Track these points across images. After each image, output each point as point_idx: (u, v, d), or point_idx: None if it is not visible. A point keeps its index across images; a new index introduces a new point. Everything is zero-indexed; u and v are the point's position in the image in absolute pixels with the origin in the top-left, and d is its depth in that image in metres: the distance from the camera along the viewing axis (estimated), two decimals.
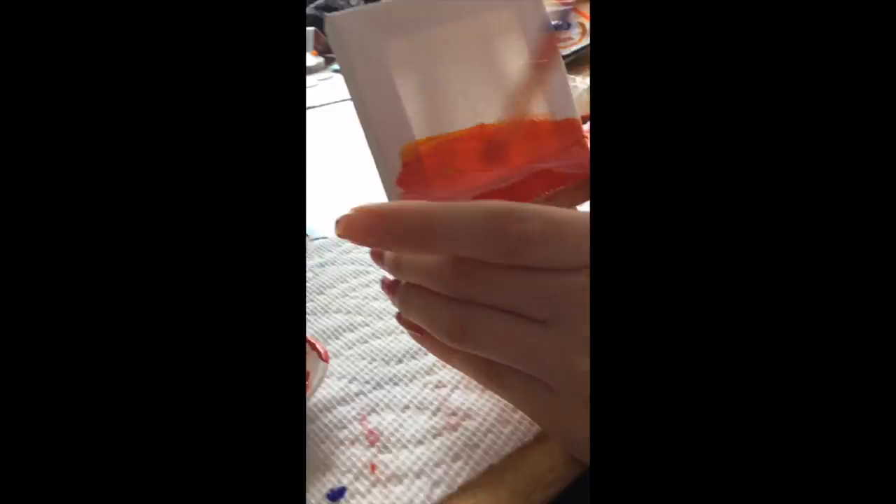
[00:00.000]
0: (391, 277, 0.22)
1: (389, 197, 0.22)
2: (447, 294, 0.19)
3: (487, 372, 0.21)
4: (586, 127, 0.36)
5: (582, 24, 0.66)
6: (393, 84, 0.22)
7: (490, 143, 0.23)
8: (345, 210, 0.20)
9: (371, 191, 0.23)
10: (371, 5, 0.22)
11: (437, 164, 0.23)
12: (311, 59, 0.86)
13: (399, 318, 0.23)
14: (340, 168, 0.51)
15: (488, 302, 0.19)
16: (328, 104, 0.70)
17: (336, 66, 0.84)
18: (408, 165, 0.22)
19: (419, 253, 0.20)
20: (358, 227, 0.19)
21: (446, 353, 0.23)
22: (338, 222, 0.20)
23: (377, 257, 0.22)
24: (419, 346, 0.25)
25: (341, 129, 0.62)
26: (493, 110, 0.24)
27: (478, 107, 0.23)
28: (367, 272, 0.33)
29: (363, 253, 0.34)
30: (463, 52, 0.23)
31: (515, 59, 0.24)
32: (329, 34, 0.22)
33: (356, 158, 0.52)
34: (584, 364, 0.17)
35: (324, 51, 0.89)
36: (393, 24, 0.22)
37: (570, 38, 0.61)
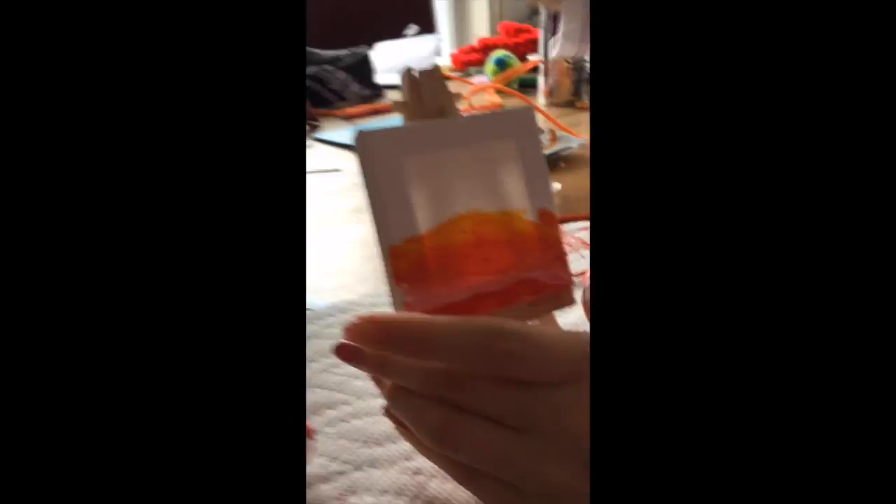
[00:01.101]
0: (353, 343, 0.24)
1: (392, 292, 0.25)
2: (433, 397, 0.22)
3: (464, 472, 0.22)
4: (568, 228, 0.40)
5: (552, 131, 0.74)
6: (407, 194, 0.25)
7: (484, 252, 0.27)
8: (352, 319, 0.22)
9: (347, 261, 0.25)
10: (395, 126, 0.26)
11: (438, 266, 0.26)
12: None
13: (387, 411, 0.24)
14: (315, 237, 0.53)
15: (470, 409, 0.21)
16: (308, 173, 0.73)
17: (318, 135, 0.88)
18: (411, 264, 0.25)
19: (416, 359, 0.22)
20: (366, 335, 0.21)
21: (427, 451, 0.24)
22: (347, 329, 0.22)
23: (348, 357, 0.23)
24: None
25: (317, 199, 0.64)
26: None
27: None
28: None
29: None
30: (469, 171, 0.27)
31: (513, 182, 0.28)
32: (358, 146, 0.25)
33: (330, 227, 0.54)
34: (553, 473, 0.19)
35: (309, 119, 0.93)
36: (412, 144, 0.25)
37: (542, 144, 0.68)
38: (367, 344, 0.22)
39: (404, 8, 1.70)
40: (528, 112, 0.28)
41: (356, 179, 0.70)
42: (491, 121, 0.27)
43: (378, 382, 0.25)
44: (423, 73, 0.27)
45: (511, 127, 0.27)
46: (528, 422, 0.20)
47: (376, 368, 0.23)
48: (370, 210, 0.25)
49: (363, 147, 0.25)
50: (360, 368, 0.22)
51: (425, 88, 0.27)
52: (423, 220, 0.25)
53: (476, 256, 0.26)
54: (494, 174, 0.27)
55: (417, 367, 0.22)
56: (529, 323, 0.23)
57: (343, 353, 0.22)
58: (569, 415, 0.19)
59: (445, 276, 0.26)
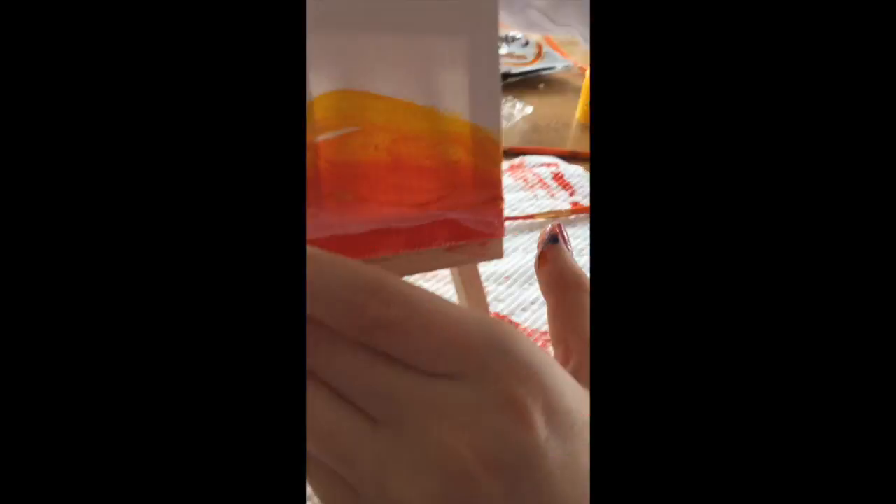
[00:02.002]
0: None
1: None
2: None
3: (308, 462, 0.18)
4: (517, 160, 0.34)
5: (539, 45, 0.65)
6: (308, 78, 0.18)
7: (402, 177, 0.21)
8: None
9: None
10: None
11: (335, 186, 0.20)
12: None
13: None
14: None
15: (324, 378, 0.16)
16: None
17: None
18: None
19: None
20: None
21: None
22: None
23: None
24: None
25: None
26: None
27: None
28: None
29: None
30: (401, 65, 0.20)
31: (455, 91, 0.21)
32: None
33: None
34: (397, 487, 0.15)
35: None
36: (337, 12, 0.18)
37: (524, 57, 0.60)
38: None
39: None
40: (492, 2, 0.21)
41: None
42: (445, 6, 0.20)
43: None
44: None
45: (468, 19, 0.20)
46: (385, 412, 0.15)
47: None
48: None
49: None
50: None
51: None
52: (322, 117, 0.19)
53: (389, 181, 0.21)
54: (433, 74, 0.21)
55: None
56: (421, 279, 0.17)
57: None
58: (440, 418, 0.15)
59: (342, 200, 0.20)
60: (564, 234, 0.23)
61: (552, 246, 0.22)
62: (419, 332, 0.15)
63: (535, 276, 0.23)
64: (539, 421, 0.15)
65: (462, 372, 0.15)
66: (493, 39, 0.21)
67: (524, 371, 0.15)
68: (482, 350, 0.15)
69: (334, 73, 0.19)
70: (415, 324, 0.15)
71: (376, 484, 0.15)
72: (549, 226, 0.23)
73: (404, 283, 0.16)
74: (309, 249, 0.16)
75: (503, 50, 0.56)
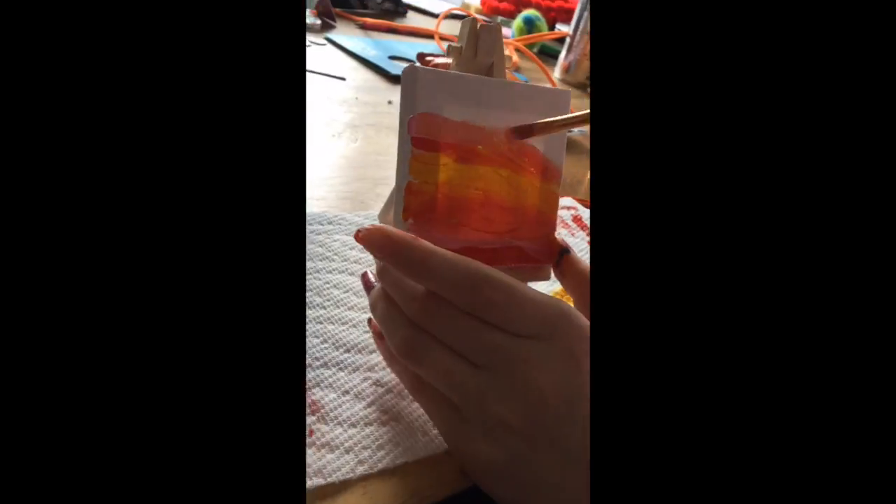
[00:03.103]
0: (373, 278, 0.27)
1: (396, 222, 0.27)
2: (410, 316, 0.24)
3: (419, 386, 0.26)
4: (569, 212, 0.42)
5: None
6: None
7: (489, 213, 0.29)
8: (366, 223, 0.24)
9: (333, 176, 0.27)
10: (446, 71, 0.27)
11: (445, 212, 0.28)
12: (309, 18, 0.85)
13: (370, 322, 0.27)
14: (308, 143, 0.53)
15: (440, 337, 0.24)
16: (312, 72, 0.71)
17: (331, 35, 0.85)
18: (422, 203, 0.27)
19: (409, 278, 0.25)
20: (374, 241, 0.24)
21: (391, 360, 0.27)
22: (359, 231, 0.24)
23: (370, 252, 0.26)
24: (365, 342, 0.30)
25: (317, 104, 0.63)
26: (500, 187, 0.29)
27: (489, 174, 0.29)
28: (332, 259, 0.36)
29: (332, 239, 0.37)
30: (498, 134, 0.29)
31: (532, 157, 0.30)
32: (406, 79, 0.26)
33: (322, 137, 0.54)
34: (495, 407, 0.22)
35: (323, 13, 0.89)
36: (456, 91, 0.27)
37: None
38: (372, 250, 0.24)
39: None
40: (566, 95, 0.30)
41: (359, 95, 0.70)
42: (531, 93, 0.29)
43: (367, 286, 0.27)
44: (485, 27, 0.28)
45: (547, 104, 0.29)
46: (487, 360, 0.23)
47: (378, 272, 0.26)
48: (399, 140, 0.27)
49: (410, 82, 0.26)
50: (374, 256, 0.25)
51: (483, 41, 0.28)
52: (444, 166, 0.27)
53: (479, 213, 0.29)
54: (521, 143, 0.29)
55: (408, 284, 0.24)
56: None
57: (367, 248, 0.24)
58: (525, 365, 0.23)
59: (448, 223, 0.28)
60: (570, 246, 0.31)
61: (567, 256, 0.31)
62: (515, 308, 0.23)
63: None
64: (586, 365, 0.23)
65: (540, 334, 0.23)
66: (563, 133, 0.30)
67: (580, 334, 0.23)
68: (553, 319, 0.23)
69: (457, 145, 0.27)
70: (512, 302, 0.23)
71: (479, 405, 0.23)
72: (559, 241, 0.31)
73: (505, 275, 0.24)
74: (437, 249, 0.24)
75: None
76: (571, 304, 0.27)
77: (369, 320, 0.27)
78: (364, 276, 0.28)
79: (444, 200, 0.28)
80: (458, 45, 0.28)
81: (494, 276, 0.24)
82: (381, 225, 0.25)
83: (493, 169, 0.29)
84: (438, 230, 0.28)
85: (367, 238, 0.24)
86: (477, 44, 0.28)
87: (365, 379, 0.28)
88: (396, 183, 0.27)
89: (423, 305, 0.24)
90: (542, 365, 0.23)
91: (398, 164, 0.27)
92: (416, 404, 0.28)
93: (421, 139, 0.26)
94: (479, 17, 1.20)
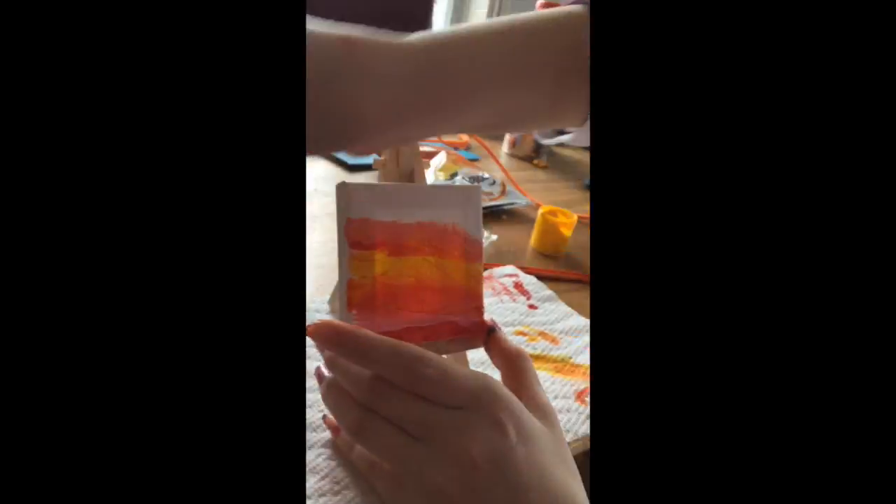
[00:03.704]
0: (325, 370, 0.31)
1: (342, 315, 0.31)
2: (357, 399, 0.28)
3: (367, 465, 0.29)
4: (486, 273, 0.48)
5: (503, 184, 0.82)
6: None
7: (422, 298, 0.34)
8: (323, 307, 0.28)
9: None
10: (371, 184, 0.32)
11: (384, 300, 0.32)
12: None
13: (325, 419, 0.31)
14: None
15: (384, 414, 0.27)
16: None
17: None
18: (364, 296, 0.31)
19: (355, 363, 0.29)
20: (322, 334, 0.28)
21: (346, 451, 0.32)
22: (308, 326, 0.28)
23: (319, 349, 0.31)
24: (320, 420, 0.34)
25: None
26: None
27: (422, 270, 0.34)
28: None
29: None
30: (422, 228, 0.34)
31: (455, 241, 0.35)
32: (339, 195, 0.31)
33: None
34: (432, 476, 0.25)
35: None
36: (382, 200, 0.32)
37: (491, 194, 0.77)
38: (321, 342, 0.28)
39: (402, 19, 1.75)
40: (476, 190, 0.35)
41: (318, 185, 0.75)
42: (447, 192, 0.34)
43: (319, 378, 0.31)
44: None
45: (460, 199, 0.35)
46: (424, 431, 0.27)
47: (327, 363, 0.30)
48: (339, 244, 0.32)
49: (342, 195, 0.31)
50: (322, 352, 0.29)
51: (403, 155, 0.34)
52: (379, 261, 0.32)
53: (415, 297, 0.33)
54: (441, 233, 0.34)
55: (354, 370, 0.28)
56: (445, 357, 0.30)
57: (317, 345, 0.29)
58: (457, 434, 0.26)
59: (388, 309, 0.32)
60: (497, 325, 0.35)
61: (493, 335, 0.35)
62: (446, 382, 0.27)
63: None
64: (512, 432, 0.27)
65: (468, 405, 0.27)
66: (478, 215, 0.35)
67: (502, 403, 0.27)
68: (479, 391, 0.27)
69: (388, 242, 0.32)
70: (443, 377, 0.27)
71: (418, 476, 0.26)
72: (488, 321, 0.35)
73: (436, 355, 0.28)
74: (377, 336, 0.28)
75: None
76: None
77: (324, 417, 0.32)
78: (317, 370, 0.32)
79: (382, 290, 0.32)
80: (383, 158, 0.34)
81: (427, 355, 0.28)
82: (328, 319, 0.29)
83: (421, 258, 0.34)
84: (380, 316, 0.32)
85: (315, 332, 0.28)
86: (398, 155, 0.34)
87: (318, 455, 0.32)
88: (339, 280, 0.32)
89: (369, 386, 0.28)
90: (471, 433, 0.26)
91: (339, 264, 0.32)
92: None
93: (356, 241, 0.31)
94: None
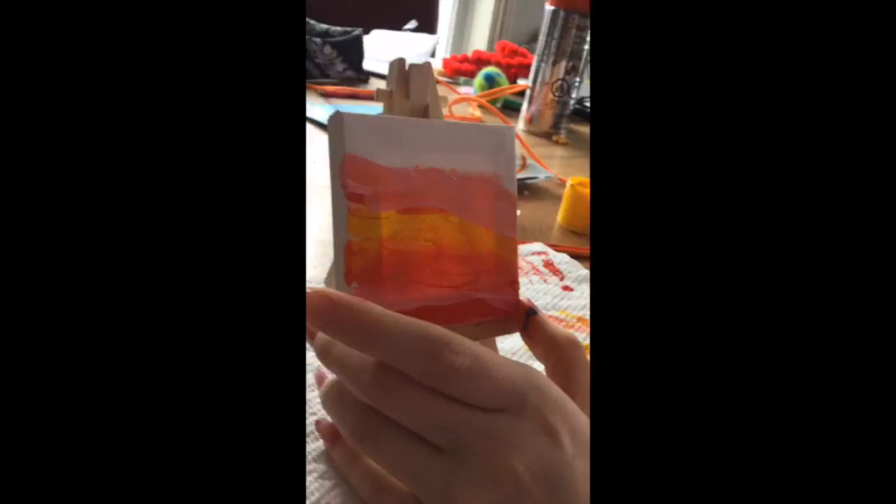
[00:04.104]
0: (327, 373, 0.23)
1: (339, 287, 0.23)
2: (359, 394, 0.21)
3: (378, 487, 0.22)
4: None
5: (524, 158, 0.74)
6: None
7: (442, 265, 0.26)
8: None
9: None
10: (375, 115, 0.25)
11: (393, 270, 0.25)
12: None
13: (317, 423, 0.24)
14: None
15: (395, 417, 0.20)
16: None
17: None
18: (366, 263, 0.24)
19: (356, 349, 0.21)
20: (314, 308, 0.20)
21: (346, 467, 0.24)
22: None
23: (308, 334, 0.23)
24: (311, 430, 0.26)
25: None
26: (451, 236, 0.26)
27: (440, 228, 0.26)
28: None
29: None
30: (441, 177, 0.26)
31: (482, 198, 0.27)
32: (331, 126, 0.24)
33: None
34: (464, 499, 0.18)
35: None
36: (389, 136, 0.25)
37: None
38: (312, 317, 0.20)
39: (409, 1, 1.69)
40: (510, 131, 0.27)
41: (317, 159, 0.68)
42: (473, 132, 0.26)
43: (320, 381, 0.24)
44: (415, 66, 0.26)
45: (491, 143, 0.27)
46: (451, 441, 0.19)
47: (319, 352, 0.22)
48: (333, 195, 0.24)
49: (337, 128, 0.23)
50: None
51: (414, 83, 0.26)
52: (386, 219, 0.24)
53: (433, 268, 0.26)
54: (465, 186, 0.27)
55: (356, 359, 0.21)
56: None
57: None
58: (496, 444, 0.19)
59: (398, 281, 0.25)
60: (536, 307, 0.28)
61: (534, 318, 0.27)
62: (481, 376, 0.19)
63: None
64: (567, 441, 0.19)
65: (510, 406, 0.19)
66: (512, 164, 0.28)
67: (554, 404, 0.20)
68: (525, 388, 0.20)
69: (399, 195, 0.25)
70: (477, 370, 0.19)
71: (444, 498, 0.19)
72: (525, 301, 0.28)
73: (467, 339, 0.20)
74: (387, 312, 0.21)
75: None
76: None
77: (317, 423, 0.24)
78: (318, 373, 0.25)
79: (390, 258, 0.25)
80: (388, 88, 0.27)
81: (456, 339, 0.20)
82: (321, 287, 0.21)
83: (441, 217, 0.26)
84: (388, 292, 0.24)
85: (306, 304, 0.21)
86: (408, 86, 0.26)
87: (308, 473, 0.24)
88: (335, 243, 0.24)
89: (374, 379, 0.20)
90: (516, 443, 0.19)
91: (334, 222, 0.24)
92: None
93: (356, 193, 0.24)
94: (442, 79, 1.23)
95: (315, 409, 0.27)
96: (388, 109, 0.27)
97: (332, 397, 0.22)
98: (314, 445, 0.26)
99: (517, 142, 0.77)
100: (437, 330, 0.20)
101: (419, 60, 0.26)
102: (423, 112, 0.27)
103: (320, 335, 0.23)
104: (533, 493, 0.18)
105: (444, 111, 0.93)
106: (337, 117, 0.23)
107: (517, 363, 0.21)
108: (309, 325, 0.21)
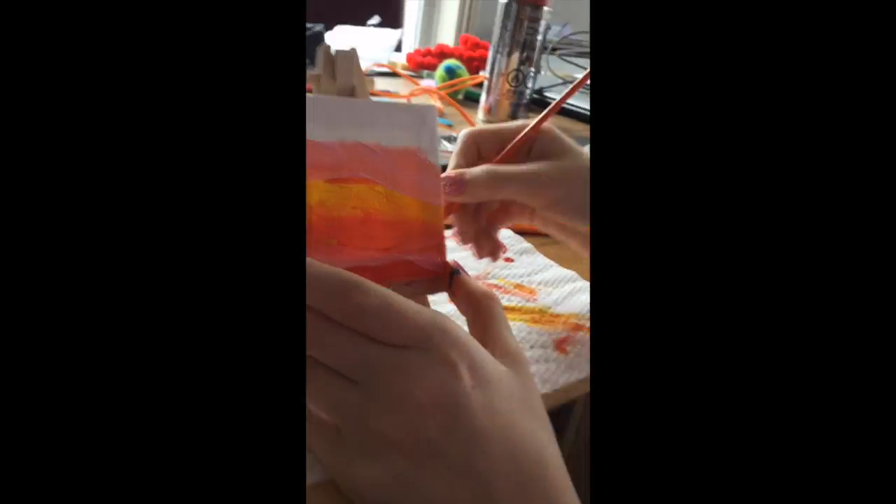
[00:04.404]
0: None
1: None
2: None
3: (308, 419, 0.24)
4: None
5: None
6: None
7: (370, 229, 0.29)
8: None
9: None
10: (309, 95, 0.27)
11: (323, 233, 0.27)
12: None
13: None
14: None
15: (314, 354, 0.23)
16: None
17: None
18: None
19: None
20: None
21: None
22: None
23: None
24: None
25: None
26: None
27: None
28: None
29: None
30: (368, 151, 0.29)
31: (407, 171, 0.30)
32: None
33: None
34: (373, 424, 0.21)
35: None
36: (318, 114, 0.27)
37: None
38: None
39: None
40: (431, 110, 0.30)
41: None
42: (395, 110, 0.29)
43: None
44: (340, 52, 0.29)
45: (413, 120, 0.30)
46: (363, 373, 0.22)
47: None
48: None
49: None
50: None
51: (339, 66, 0.29)
52: (315, 187, 0.27)
53: (360, 232, 0.29)
54: (390, 159, 0.30)
55: None
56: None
57: None
58: (402, 376, 0.22)
59: (327, 246, 0.28)
60: (461, 267, 0.31)
61: (457, 277, 0.30)
62: (389, 315, 0.22)
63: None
64: (465, 374, 0.22)
65: (417, 343, 0.22)
66: (434, 140, 0.31)
67: (456, 342, 0.23)
68: (430, 328, 0.23)
69: (327, 166, 0.27)
70: (386, 309, 0.22)
71: (358, 424, 0.22)
72: (451, 262, 0.31)
73: (377, 284, 0.23)
74: (308, 260, 0.23)
75: (445, 146, 0.68)
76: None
77: None
78: None
79: (319, 222, 0.27)
80: (316, 72, 0.29)
81: (366, 283, 0.23)
82: None
83: (368, 187, 0.29)
84: (318, 253, 0.27)
85: None
86: (334, 69, 0.29)
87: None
88: None
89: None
90: (419, 374, 0.22)
91: None
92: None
93: None
94: (404, 73, 1.25)
95: None
96: (317, 90, 0.29)
97: None
98: None
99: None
100: (350, 275, 0.23)
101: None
102: (350, 93, 0.30)
103: None
104: (433, 416, 0.21)
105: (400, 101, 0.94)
106: None
107: (425, 308, 0.24)
108: None
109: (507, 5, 0.92)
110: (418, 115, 0.30)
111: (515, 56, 0.94)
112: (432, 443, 0.21)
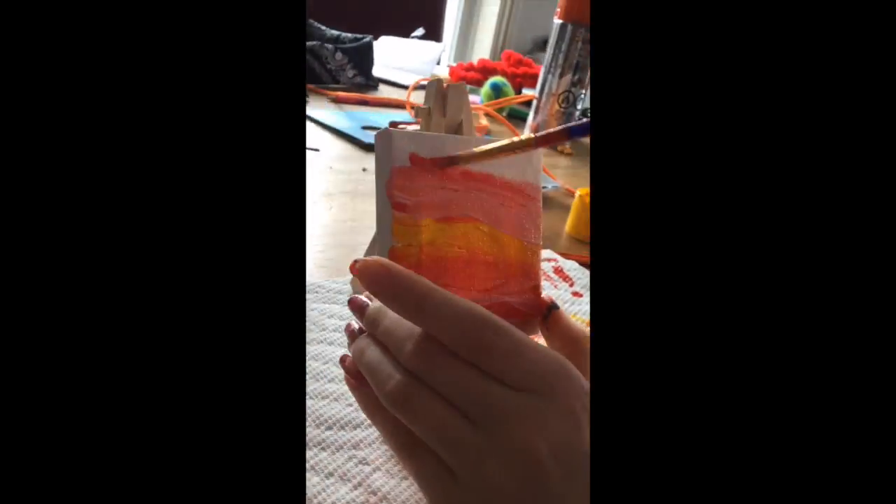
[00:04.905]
0: (355, 325, 0.25)
1: None
2: (403, 361, 0.23)
3: (406, 443, 0.23)
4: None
5: None
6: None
7: (474, 271, 0.28)
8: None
9: (310, 246, 0.26)
10: (419, 132, 0.27)
11: (430, 274, 0.27)
12: None
13: (342, 360, 0.25)
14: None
15: (434, 385, 0.22)
16: None
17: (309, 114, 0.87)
18: (408, 265, 0.26)
19: (405, 316, 0.23)
20: (372, 273, 0.22)
21: (372, 410, 0.25)
22: (356, 261, 0.23)
23: (356, 308, 0.25)
24: (349, 417, 0.28)
25: None
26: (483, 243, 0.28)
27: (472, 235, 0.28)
28: (310, 329, 0.34)
29: (309, 308, 0.36)
30: (475, 191, 0.28)
31: (510, 212, 0.29)
32: (379, 142, 0.26)
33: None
34: (492, 470, 0.20)
35: None
36: (431, 152, 0.27)
37: None
38: (367, 282, 0.22)
39: (415, 9, 1.72)
40: (538, 155, 0.30)
41: (333, 164, 0.70)
42: (510, 169, 0.29)
43: (351, 336, 0.25)
44: (452, 86, 0.28)
45: (521, 158, 0.29)
46: (483, 414, 0.21)
47: (368, 323, 0.24)
48: (378, 205, 0.26)
49: (385, 143, 0.26)
50: (358, 319, 0.25)
51: (451, 101, 0.29)
52: (426, 227, 0.27)
53: (464, 272, 0.28)
54: (498, 193, 0.29)
55: (404, 329, 0.23)
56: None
57: (353, 305, 0.25)
58: (524, 422, 0.21)
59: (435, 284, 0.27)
60: (556, 303, 0.30)
61: (555, 312, 0.29)
62: (517, 357, 0.21)
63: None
64: (586, 426, 0.21)
65: (540, 389, 0.21)
66: (538, 179, 0.30)
67: (580, 392, 0.22)
68: (554, 374, 0.22)
69: (435, 205, 0.27)
70: (515, 351, 0.21)
71: (474, 467, 0.21)
72: (546, 298, 0.30)
73: (508, 322, 0.22)
74: (439, 288, 0.22)
75: None
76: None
77: (342, 358, 0.25)
78: (348, 327, 0.26)
79: (428, 262, 0.27)
80: (426, 106, 0.29)
81: (498, 321, 0.22)
82: (381, 258, 0.23)
83: (473, 225, 0.28)
84: None
85: (365, 269, 0.23)
86: (444, 103, 0.29)
87: (350, 458, 0.26)
88: (378, 250, 0.26)
89: (419, 348, 0.22)
90: (541, 423, 0.21)
91: (379, 229, 0.26)
92: (406, 482, 0.25)
93: (400, 203, 0.26)
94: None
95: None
96: (426, 126, 0.29)
97: (370, 358, 0.23)
98: (314, 433, 0.28)
99: None
100: (483, 310, 0.22)
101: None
102: (458, 128, 0.29)
103: (371, 308, 0.24)
104: (552, 470, 0.20)
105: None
106: (385, 134, 0.26)
107: (553, 352, 0.23)
108: (369, 288, 0.23)
109: (562, 27, 0.92)
110: (525, 155, 0.29)
111: (567, 78, 0.94)
112: (544, 497, 0.20)
